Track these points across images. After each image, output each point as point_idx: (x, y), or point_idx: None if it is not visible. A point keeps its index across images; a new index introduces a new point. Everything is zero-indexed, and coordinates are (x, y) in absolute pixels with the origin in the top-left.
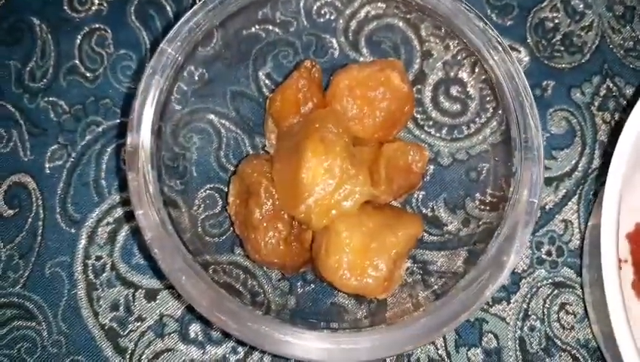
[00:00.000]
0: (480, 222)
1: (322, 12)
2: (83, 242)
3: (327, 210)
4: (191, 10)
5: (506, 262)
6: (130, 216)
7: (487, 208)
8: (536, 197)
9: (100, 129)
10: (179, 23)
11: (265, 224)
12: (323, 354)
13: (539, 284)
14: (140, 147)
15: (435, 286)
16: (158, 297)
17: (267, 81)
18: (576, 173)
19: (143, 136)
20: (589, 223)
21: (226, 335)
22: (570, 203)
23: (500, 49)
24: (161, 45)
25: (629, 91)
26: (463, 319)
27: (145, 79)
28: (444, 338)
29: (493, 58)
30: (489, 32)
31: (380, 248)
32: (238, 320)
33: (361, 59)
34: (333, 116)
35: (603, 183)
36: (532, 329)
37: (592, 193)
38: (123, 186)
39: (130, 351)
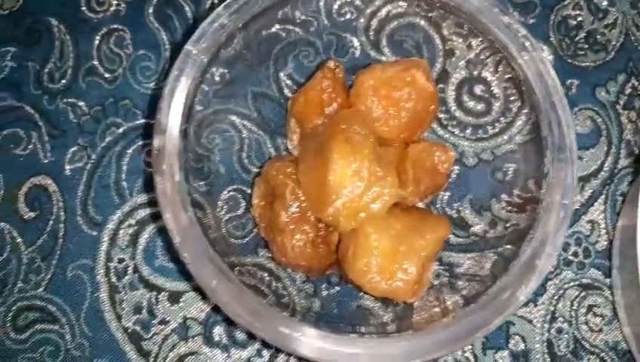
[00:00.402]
0: (507, 224)
1: (343, 11)
2: (105, 244)
3: (356, 212)
4: (215, 11)
5: (539, 266)
6: (153, 218)
7: (515, 210)
8: (570, 199)
9: (120, 130)
10: (204, 24)
11: (291, 226)
12: (351, 359)
13: (566, 286)
14: (168, 149)
15: (464, 291)
16: (181, 300)
17: (288, 82)
18: (602, 172)
19: (170, 138)
20: (619, 224)
21: (251, 338)
22: (596, 203)
23: (528, 45)
24: (186, 46)
25: None
26: (495, 326)
27: (171, 80)
28: None
29: (521, 54)
30: (515, 27)
31: (409, 251)
32: (270, 325)
33: (383, 58)
34: (359, 117)
35: (631, 183)
36: (560, 331)
37: (618, 193)
38: (144, 188)
39: (153, 354)
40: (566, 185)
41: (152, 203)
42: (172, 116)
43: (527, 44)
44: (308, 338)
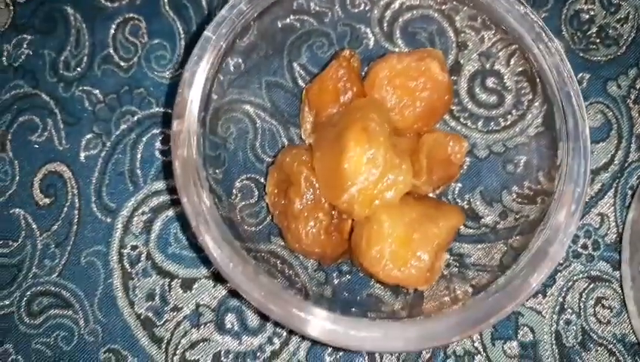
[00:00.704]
0: (518, 216)
1: (357, 2)
2: (118, 231)
3: (371, 199)
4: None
5: (551, 253)
6: (167, 205)
7: (525, 201)
8: (583, 187)
9: (135, 118)
10: (223, 11)
11: (306, 214)
12: (363, 342)
13: (575, 278)
14: (187, 133)
15: (473, 281)
16: (194, 287)
17: (302, 72)
18: (612, 166)
19: (189, 122)
20: (629, 216)
21: (263, 325)
22: (606, 196)
23: (543, 34)
24: (205, 32)
25: None
26: (507, 312)
27: (190, 65)
28: None
29: (537, 44)
30: (531, 17)
31: (423, 239)
32: (284, 307)
33: (396, 49)
34: (375, 105)
35: None
36: (568, 322)
37: (628, 186)
38: (158, 175)
39: (166, 341)
40: (579, 175)
41: (166, 190)
42: (191, 101)
43: (542, 34)
44: (320, 321)
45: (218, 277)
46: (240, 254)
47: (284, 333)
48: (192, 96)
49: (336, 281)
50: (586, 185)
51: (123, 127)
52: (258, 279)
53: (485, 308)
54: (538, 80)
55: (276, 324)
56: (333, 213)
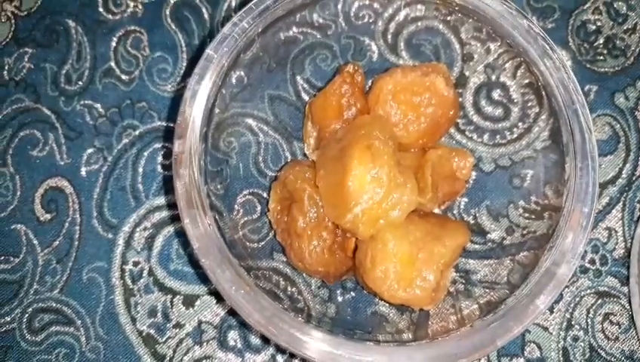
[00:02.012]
0: (524, 231)
1: (361, 15)
2: (120, 247)
3: (375, 219)
4: (237, 15)
5: (559, 274)
6: (169, 221)
7: (532, 217)
8: (591, 207)
9: (137, 132)
10: (225, 28)
11: (309, 232)
12: None
13: (582, 293)
14: (188, 153)
15: (480, 298)
16: (196, 304)
17: (305, 85)
18: (620, 179)
19: (191, 142)
20: (637, 231)
21: (266, 342)
22: (614, 210)
23: (548, 48)
24: (207, 50)
25: None
26: (514, 335)
27: (192, 84)
28: None
29: (542, 59)
30: (535, 31)
31: (428, 258)
32: (286, 332)
33: (401, 62)
34: (379, 123)
35: None
36: (575, 339)
37: (637, 200)
38: (161, 190)
39: (168, 358)
40: (587, 191)
41: (168, 206)
42: (193, 120)
43: (547, 47)
44: (323, 345)
45: (220, 295)
46: (242, 277)
47: (288, 351)
48: (194, 115)
49: (340, 299)
50: (594, 205)
51: (124, 141)
52: (260, 302)
53: (492, 330)
54: (544, 93)
55: None
56: (337, 231)
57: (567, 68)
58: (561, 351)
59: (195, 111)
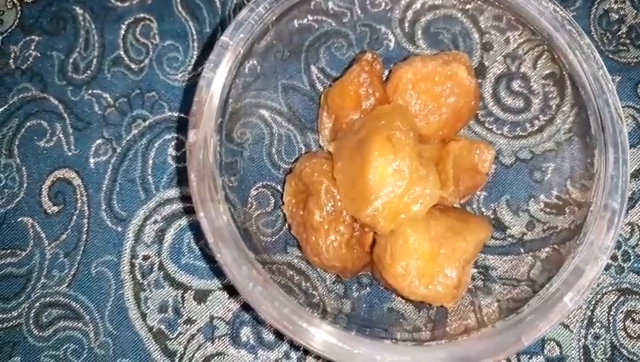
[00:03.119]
0: (546, 227)
1: (377, 2)
2: (130, 241)
3: (396, 213)
4: (253, 2)
5: (589, 273)
6: (180, 214)
7: (554, 211)
8: (622, 202)
9: (147, 123)
10: (241, 14)
11: (326, 226)
12: None
13: (604, 291)
14: (203, 145)
15: (499, 295)
16: (208, 299)
17: (320, 75)
18: None
19: (206, 132)
20: None
21: (279, 339)
22: (637, 205)
23: (575, 33)
24: (222, 37)
25: None
26: (541, 335)
27: (206, 72)
28: None
29: (568, 44)
30: (561, 14)
31: (450, 254)
32: (305, 330)
33: (418, 51)
34: (400, 113)
35: None
36: (597, 337)
37: None
38: (171, 183)
39: (179, 355)
40: (618, 187)
41: (179, 198)
42: (208, 109)
43: (575, 33)
44: (342, 344)
45: (233, 290)
46: (259, 272)
47: (302, 348)
48: (210, 105)
49: (355, 294)
50: (625, 201)
51: (134, 132)
52: (277, 298)
53: (517, 329)
54: (568, 83)
55: None
56: (354, 225)
57: (596, 54)
58: (581, 350)
59: (210, 100)
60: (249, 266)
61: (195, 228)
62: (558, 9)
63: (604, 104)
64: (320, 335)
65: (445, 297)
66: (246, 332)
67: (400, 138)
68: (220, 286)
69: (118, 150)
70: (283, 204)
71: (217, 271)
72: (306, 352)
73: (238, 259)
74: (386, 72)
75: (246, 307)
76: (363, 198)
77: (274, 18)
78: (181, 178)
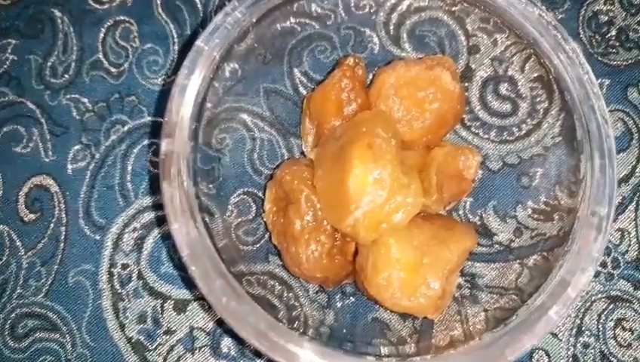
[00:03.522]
0: (533, 233)
1: (361, 4)
2: (108, 249)
3: (377, 223)
4: (229, 5)
5: (576, 284)
6: (160, 222)
7: (542, 218)
8: (610, 209)
9: (126, 128)
10: (217, 19)
11: (306, 236)
12: None
13: (593, 298)
14: (176, 153)
15: (487, 306)
16: (188, 308)
17: (303, 79)
18: (633, 178)
19: (179, 142)
20: None
21: (259, 356)
22: (627, 211)
23: (560, 38)
24: (197, 42)
25: None
26: (526, 349)
27: (180, 79)
28: None
29: (554, 50)
30: (546, 19)
31: (433, 264)
32: (280, 346)
33: (403, 54)
34: (381, 119)
35: None
36: (586, 346)
37: None
38: (150, 190)
39: None
40: (605, 193)
41: (159, 206)
42: (181, 118)
43: (560, 38)
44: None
45: None
46: (233, 286)
47: None
48: (183, 112)
49: (339, 304)
50: (612, 207)
51: (113, 137)
52: (253, 314)
53: (502, 343)
54: (555, 87)
55: None
56: (335, 234)
57: (581, 59)
58: (570, 359)
59: (183, 108)
60: (223, 280)
61: (172, 238)
62: (543, 14)
63: (590, 109)
64: (299, 353)
65: (428, 309)
66: (227, 343)
67: (381, 145)
68: (200, 295)
69: (97, 156)
70: (264, 211)
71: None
72: None
73: (212, 273)
74: (371, 76)
75: (223, 321)
76: (343, 208)
77: (253, 21)
78: (160, 185)
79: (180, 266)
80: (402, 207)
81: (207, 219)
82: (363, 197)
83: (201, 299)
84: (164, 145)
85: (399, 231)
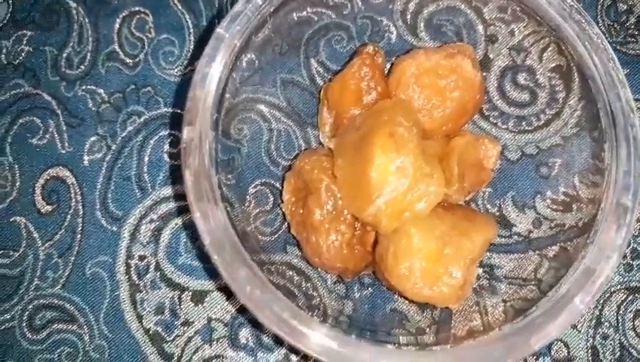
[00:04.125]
0: (552, 224)
1: None
2: (125, 240)
3: (400, 212)
4: None
5: (601, 273)
6: (177, 212)
7: (561, 208)
8: (635, 198)
9: (142, 119)
10: (237, 6)
11: (326, 225)
12: None
13: (612, 289)
14: (198, 142)
15: (505, 297)
16: (206, 300)
17: (320, 69)
18: None
19: (201, 129)
20: None
21: (279, 341)
22: None
23: (584, 22)
24: (217, 29)
25: None
26: (551, 338)
27: (201, 67)
28: None
29: (577, 34)
30: (569, 3)
31: (455, 254)
32: (304, 335)
33: (420, 44)
34: (402, 107)
35: None
36: (605, 337)
37: None
38: (167, 180)
39: (176, 358)
40: (629, 183)
41: (176, 197)
42: (204, 105)
43: (584, 23)
44: (343, 349)
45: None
46: (257, 274)
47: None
48: (205, 101)
49: (357, 295)
50: (638, 196)
51: (129, 128)
52: (276, 302)
53: (526, 333)
54: (576, 75)
55: None
56: (355, 224)
57: (606, 44)
58: (590, 350)
59: (205, 96)
60: (246, 269)
61: (192, 227)
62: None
63: (616, 97)
64: (320, 339)
65: (450, 298)
66: (245, 334)
67: (403, 134)
68: (218, 286)
69: (113, 147)
70: (282, 202)
71: (214, 272)
72: (306, 357)
73: (235, 262)
74: (388, 65)
75: (244, 309)
76: (365, 197)
77: (271, 10)
78: (177, 175)
79: (201, 256)
80: (425, 195)
81: (228, 208)
82: (385, 186)
83: (220, 289)
84: (186, 132)
85: (421, 220)
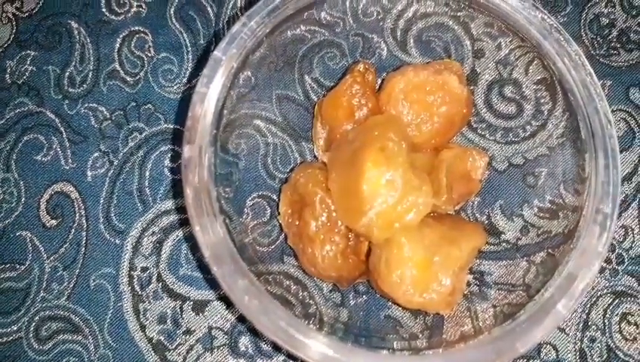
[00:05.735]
0: (540, 231)
1: (369, 11)
2: (128, 253)
3: (390, 222)
4: (245, 15)
5: (582, 279)
6: (178, 225)
7: (547, 216)
8: (614, 206)
9: (143, 135)
10: (233, 30)
11: (322, 236)
12: None
13: (598, 293)
14: (198, 158)
15: (496, 302)
16: (206, 309)
17: (314, 85)
18: (635, 176)
19: (201, 147)
20: None
21: (277, 348)
22: (630, 208)
23: (563, 40)
24: (214, 52)
25: None
26: (536, 342)
27: (200, 87)
28: None
29: (556, 51)
30: (549, 22)
31: (444, 262)
32: (303, 343)
33: (410, 59)
34: (392, 123)
35: None
36: (592, 340)
37: None
38: (168, 194)
39: None
40: (609, 192)
41: (177, 210)
42: (203, 125)
43: (562, 41)
44: (339, 356)
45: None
46: (255, 285)
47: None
48: (204, 119)
49: (352, 302)
50: (616, 205)
51: (130, 144)
52: (274, 312)
53: (512, 336)
54: (559, 88)
55: None
56: (349, 235)
57: (584, 61)
58: (578, 353)
59: (204, 114)
60: (245, 279)
61: (192, 239)
62: (546, 17)
63: (594, 110)
64: (316, 347)
65: (440, 304)
66: (244, 342)
67: (393, 149)
68: (218, 296)
69: (115, 163)
70: (279, 214)
71: (214, 282)
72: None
73: (234, 273)
74: (379, 81)
75: (243, 318)
76: (357, 209)
77: (267, 31)
78: (178, 189)
79: (201, 267)
80: (414, 207)
81: (227, 221)
82: (376, 198)
83: (220, 299)
84: (187, 150)
85: (411, 230)
